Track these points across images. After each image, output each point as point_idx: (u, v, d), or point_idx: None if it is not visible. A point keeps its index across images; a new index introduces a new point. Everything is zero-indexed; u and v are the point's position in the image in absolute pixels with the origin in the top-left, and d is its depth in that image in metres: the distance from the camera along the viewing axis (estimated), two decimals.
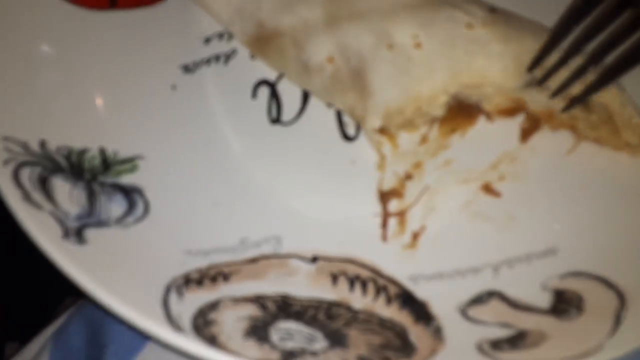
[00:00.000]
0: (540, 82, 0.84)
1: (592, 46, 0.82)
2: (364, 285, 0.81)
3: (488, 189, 0.87)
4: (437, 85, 0.86)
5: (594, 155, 0.85)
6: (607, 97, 0.82)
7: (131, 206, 0.86)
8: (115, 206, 0.87)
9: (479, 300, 0.75)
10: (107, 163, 0.91)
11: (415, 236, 0.85)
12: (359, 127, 0.93)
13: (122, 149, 0.92)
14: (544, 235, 0.80)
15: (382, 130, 0.91)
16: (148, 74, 1.01)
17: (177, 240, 0.83)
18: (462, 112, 0.91)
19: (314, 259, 0.84)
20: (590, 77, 0.82)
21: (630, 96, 0.84)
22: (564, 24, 0.84)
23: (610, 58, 0.81)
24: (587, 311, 0.71)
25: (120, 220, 0.85)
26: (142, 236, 0.83)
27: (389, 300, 0.77)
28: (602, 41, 0.82)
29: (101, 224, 0.83)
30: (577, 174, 0.84)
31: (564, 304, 0.72)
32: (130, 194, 0.88)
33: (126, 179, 0.90)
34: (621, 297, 0.71)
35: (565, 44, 0.82)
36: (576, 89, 0.83)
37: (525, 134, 0.87)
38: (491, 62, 0.85)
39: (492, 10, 0.89)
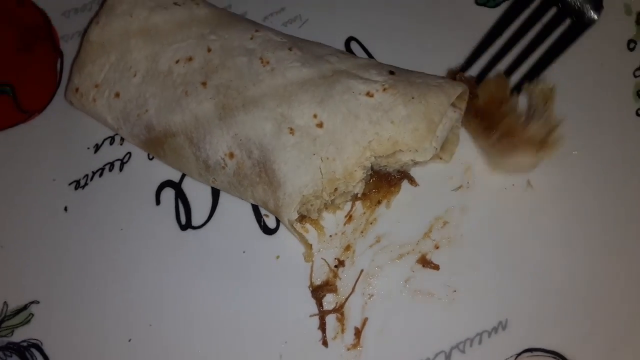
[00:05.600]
0: (478, 79, 0.87)
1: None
2: None
3: (425, 262, 0.80)
4: (349, 161, 0.79)
5: (529, 209, 0.81)
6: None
7: None
8: None
9: None
10: None
11: (358, 333, 0.77)
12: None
13: (12, 298, 0.80)
14: (491, 307, 0.74)
15: (303, 217, 0.84)
16: (35, 200, 0.89)
17: None
18: (383, 182, 0.85)
19: None
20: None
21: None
22: (494, 30, 0.91)
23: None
24: None
25: None
26: None
27: None
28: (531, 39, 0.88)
29: None
30: (512, 231, 0.79)
31: None
32: (26, 352, 0.75)
33: (20, 335, 0.77)
34: None
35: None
36: None
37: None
38: (399, 127, 0.79)
39: (391, 72, 0.84)
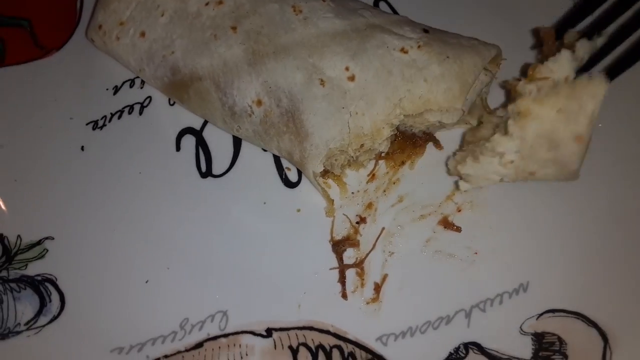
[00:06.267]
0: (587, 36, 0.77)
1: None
2: (328, 355, 0.72)
3: (447, 223, 0.80)
4: (378, 117, 0.78)
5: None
6: None
7: (43, 302, 0.73)
8: (25, 306, 0.73)
9: (456, 356, 0.68)
10: (9, 253, 0.77)
11: (378, 288, 0.76)
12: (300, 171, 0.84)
13: (26, 233, 0.78)
14: (512, 269, 0.74)
15: (326, 172, 0.83)
16: (52, 138, 0.87)
17: (102, 338, 0.70)
18: (408, 143, 0.84)
19: (269, 332, 0.74)
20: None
21: None
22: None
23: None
24: (571, 356, 0.65)
25: (32, 323, 0.71)
26: (59, 340, 0.69)
27: None
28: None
29: (8, 334, 0.69)
30: (536, 196, 0.79)
31: (546, 350, 0.66)
32: (41, 286, 0.74)
33: (34, 269, 0.76)
34: (604, 337, 0.66)
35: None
36: None
37: None
38: (432, 86, 0.78)
39: (425, 30, 0.83)
